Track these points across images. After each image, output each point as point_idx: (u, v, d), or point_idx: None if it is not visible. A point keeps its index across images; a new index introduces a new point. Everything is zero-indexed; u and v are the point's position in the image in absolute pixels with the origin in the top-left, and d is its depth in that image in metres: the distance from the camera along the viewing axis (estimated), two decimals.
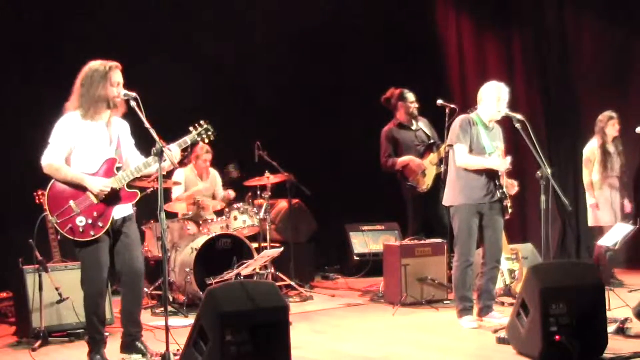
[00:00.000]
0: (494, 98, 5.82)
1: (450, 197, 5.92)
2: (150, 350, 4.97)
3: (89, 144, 4.82)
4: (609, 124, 7.48)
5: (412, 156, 7.44)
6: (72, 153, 4.84)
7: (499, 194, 5.78)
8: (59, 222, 4.73)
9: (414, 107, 7.54)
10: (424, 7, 10.00)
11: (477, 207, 5.78)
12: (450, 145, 5.90)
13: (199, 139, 4.97)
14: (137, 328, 5.02)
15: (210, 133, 4.98)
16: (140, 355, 4.95)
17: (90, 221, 4.75)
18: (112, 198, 4.82)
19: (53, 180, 4.80)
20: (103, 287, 4.89)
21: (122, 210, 4.94)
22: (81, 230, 4.74)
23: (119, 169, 4.88)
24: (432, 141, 7.52)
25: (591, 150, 7.60)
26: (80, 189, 4.77)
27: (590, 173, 7.59)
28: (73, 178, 4.77)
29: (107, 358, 4.91)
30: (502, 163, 5.73)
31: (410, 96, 7.56)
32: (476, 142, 5.79)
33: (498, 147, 5.81)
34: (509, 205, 5.84)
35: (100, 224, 4.77)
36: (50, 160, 4.78)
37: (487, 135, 5.83)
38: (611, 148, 7.53)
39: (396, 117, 7.61)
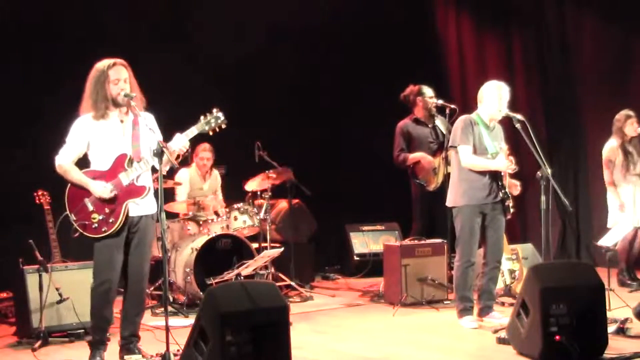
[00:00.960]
0: (494, 97, 5.82)
1: (453, 198, 5.93)
2: (144, 354, 4.95)
3: (102, 143, 4.84)
4: (627, 123, 7.31)
5: (424, 153, 7.41)
6: (88, 153, 4.88)
7: (501, 194, 5.79)
8: (75, 219, 4.80)
9: (432, 102, 7.47)
10: (424, 7, 10.00)
11: (479, 208, 5.79)
12: (453, 147, 5.90)
13: (206, 128, 4.86)
14: (134, 333, 4.99)
15: (220, 121, 4.87)
16: (140, 356, 4.94)
17: (102, 217, 4.78)
18: (122, 194, 4.82)
19: None
20: (112, 287, 4.87)
21: (140, 208, 4.90)
22: (95, 226, 4.78)
23: (131, 162, 4.83)
24: (445, 139, 7.41)
25: (611, 149, 7.39)
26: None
27: (611, 173, 7.38)
28: (79, 181, 4.82)
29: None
30: (507, 164, 5.71)
31: (429, 91, 7.52)
32: (478, 142, 5.80)
33: (501, 148, 5.80)
34: (510, 205, 5.85)
35: (112, 220, 4.79)
36: (60, 161, 4.86)
37: (489, 135, 5.83)
38: (630, 147, 7.35)
39: (413, 113, 7.57)
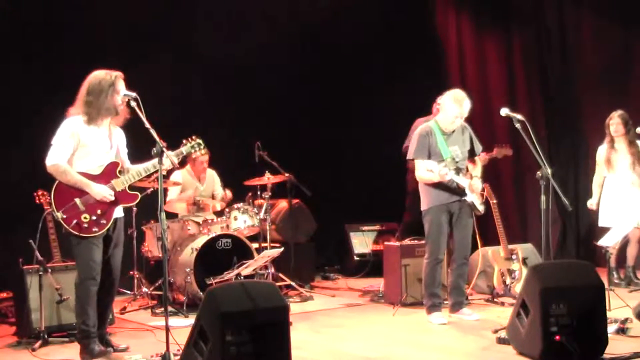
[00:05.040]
0: (451, 114, 6.02)
1: (422, 201, 6.16)
2: (114, 344, 5.24)
3: (91, 148, 5.00)
4: (609, 123, 7.43)
5: None
6: (74, 155, 4.98)
7: (464, 196, 6.02)
8: (64, 217, 4.89)
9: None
10: (424, 7, 10.00)
11: (446, 207, 6.05)
12: (411, 159, 6.18)
13: (192, 151, 5.27)
14: (105, 325, 5.28)
15: (201, 147, 5.31)
16: (139, 356, 4.97)
17: (94, 218, 4.96)
18: (115, 199, 5.02)
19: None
20: (97, 281, 5.00)
21: (118, 212, 5.14)
22: (85, 225, 4.93)
23: (120, 172, 5.08)
24: None
25: (598, 152, 7.55)
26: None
27: (599, 175, 7.53)
28: (78, 182, 4.94)
29: (100, 348, 5.01)
30: (442, 174, 5.81)
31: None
32: (433, 150, 6.02)
33: (455, 152, 5.97)
34: (476, 204, 6.07)
35: (103, 221, 4.99)
36: (57, 161, 4.93)
37: (445, 142, 6.05)
38: (620, 146, 7.40)
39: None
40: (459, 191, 6.01)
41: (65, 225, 4.91)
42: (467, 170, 6.19)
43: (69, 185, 4.93)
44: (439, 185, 6.00)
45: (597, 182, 7.58)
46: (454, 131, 6.10)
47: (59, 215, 4.89)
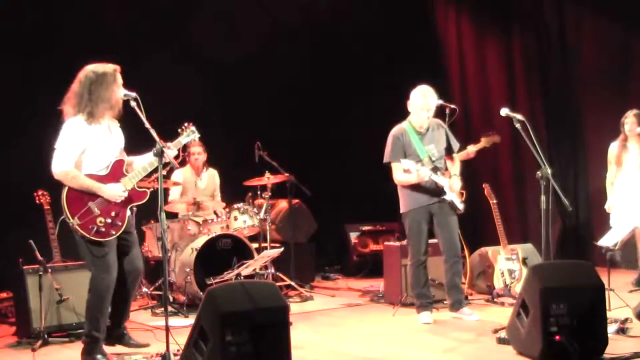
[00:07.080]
0: (417, 107, 6.07)
1: (401, 204, 6.18)
2: (137, 341, 5.22)
3: (97, 147, 4.87)
4: (624, 122, 7.35)
5: None
6: (79, 158, 4.85)
7: (442, 196, 6.02)
8: (80, 223, 4.75)
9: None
10: (424, 7, 10.00)
11: (425, 209, 6.07)
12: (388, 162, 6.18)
13: (189, 139, 5.13)
14: (125, 321, 5.24)
15: (195, 133, 5.16)
16: (140, 356, 4.97)
17: (109, 220, 4.84)
18: (126, 198, 4.92)
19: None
20: (113, 286, 4.91)
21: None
22: (102, 230, 4.81)
23: (126, 170, 4.97)
24: None
25: (610, 149, 7.45)
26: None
27: (612, 173, 7.44)
28: (89, 187, 4.80)
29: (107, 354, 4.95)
30: (421, 176, 5.84)
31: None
32: (409, 150, 6.02)
33: (431, 151, 5.99)
34: (455, 203, 6.06)
35: (119, 223, 4.88)
36: (65, 167, 4.78)
37: (420, 140, 6.06)
38: (632, 146, 7.33)
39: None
40: (438, 191, 6.00)
41: (81, 231, 4.74)
42: (447, 169, 6.18)
43: (80, 190, 4.77)
44: (418, 187, 6.00)
45: (609, 181, 7.48)
46: (428, 130, 6.09)
47: (75, 222, 4.72)
